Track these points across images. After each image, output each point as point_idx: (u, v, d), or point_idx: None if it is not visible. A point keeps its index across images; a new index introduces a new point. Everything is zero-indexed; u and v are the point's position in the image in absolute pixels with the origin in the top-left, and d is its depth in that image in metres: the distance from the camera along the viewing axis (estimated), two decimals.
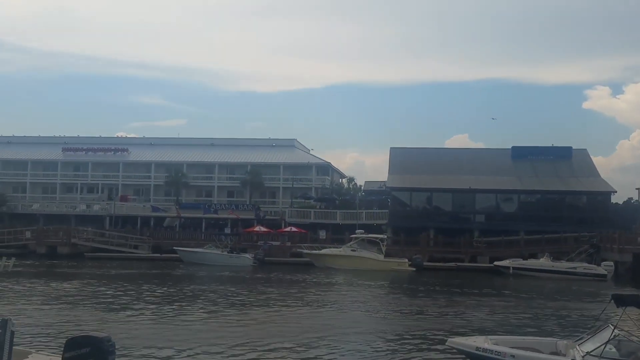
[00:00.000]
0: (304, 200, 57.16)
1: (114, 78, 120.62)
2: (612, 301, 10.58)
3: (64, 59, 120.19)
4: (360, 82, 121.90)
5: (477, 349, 11.04)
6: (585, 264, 35.56)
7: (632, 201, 55.92)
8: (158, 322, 17.13)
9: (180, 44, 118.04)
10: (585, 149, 55.78)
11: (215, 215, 54.02)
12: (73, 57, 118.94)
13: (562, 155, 53.27)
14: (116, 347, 6.67)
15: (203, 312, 19.27)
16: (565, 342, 11.31)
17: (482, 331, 15.41)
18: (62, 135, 70.25)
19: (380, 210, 51.05)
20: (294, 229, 46.30)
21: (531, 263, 36.37)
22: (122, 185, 63.06)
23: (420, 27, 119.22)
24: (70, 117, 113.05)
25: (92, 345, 6.30)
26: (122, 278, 30.09)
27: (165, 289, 25.76)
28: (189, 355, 12.93)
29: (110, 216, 54.04)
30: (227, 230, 50.42)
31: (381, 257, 37.78)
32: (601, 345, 9.86)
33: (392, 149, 56.64)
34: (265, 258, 39.50)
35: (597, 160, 66.21)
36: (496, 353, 10.68)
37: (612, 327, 10.14)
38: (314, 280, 30.95)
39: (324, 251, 39.47)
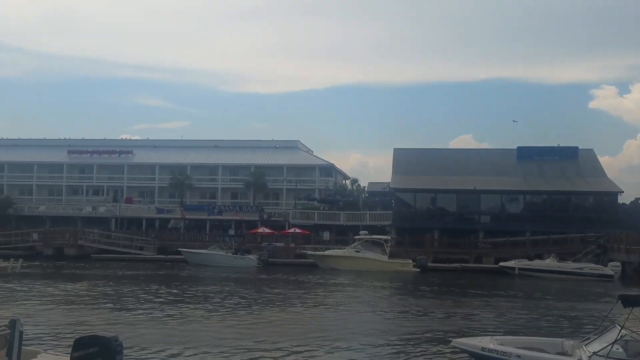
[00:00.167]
0: (307, 202, 57.17)
1: (116, 80, 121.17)
2: (619, 301, 10.55)
3: (65, 61, 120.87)
4: (363, 83, 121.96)
5: (483, 349, 11.03)
6: (592, 265, 35.38)
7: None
8: (165, 322, 17.21)
9: (182, 46, 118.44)
10: (592, 149, 55.42)
11: (219, 217, 54.16)
12: (75, 59, 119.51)
13: (568, 155, 52.91)
14: (123, 346, 6.72)
15: (209, 313, 19.34)
16: (571, 342, 11.29)
17: (487, 331, 15.39)
18: (67, 138, 70.58)
19: (384, 212, 50.94)
20: (297, 230, 46.19)
21: (537, 264, 36.12)
22: (127, 187, 63.28)
23: (423, 27, 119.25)
24: (73, 120, 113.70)
25: (100, 345, 6.37)
26: (129, 279, 30.24)
27: (171, 289, 25.85)
28: (195, 355, 12.99)
29: (116, 218, 54.24)
30: (232, 232, 50.48)
31: (385, 258, 37.71)
32: (608, 346, 9.85)
33: (395, 149, 56.59)
34: (270, 259, 39.51)
35: (604, 160, 66.19)
36: (502, 353, 10.66)
37: (619, 328, 10.13)
38: (319, 281, 30.95)
39: (328, 252, 39.45)
